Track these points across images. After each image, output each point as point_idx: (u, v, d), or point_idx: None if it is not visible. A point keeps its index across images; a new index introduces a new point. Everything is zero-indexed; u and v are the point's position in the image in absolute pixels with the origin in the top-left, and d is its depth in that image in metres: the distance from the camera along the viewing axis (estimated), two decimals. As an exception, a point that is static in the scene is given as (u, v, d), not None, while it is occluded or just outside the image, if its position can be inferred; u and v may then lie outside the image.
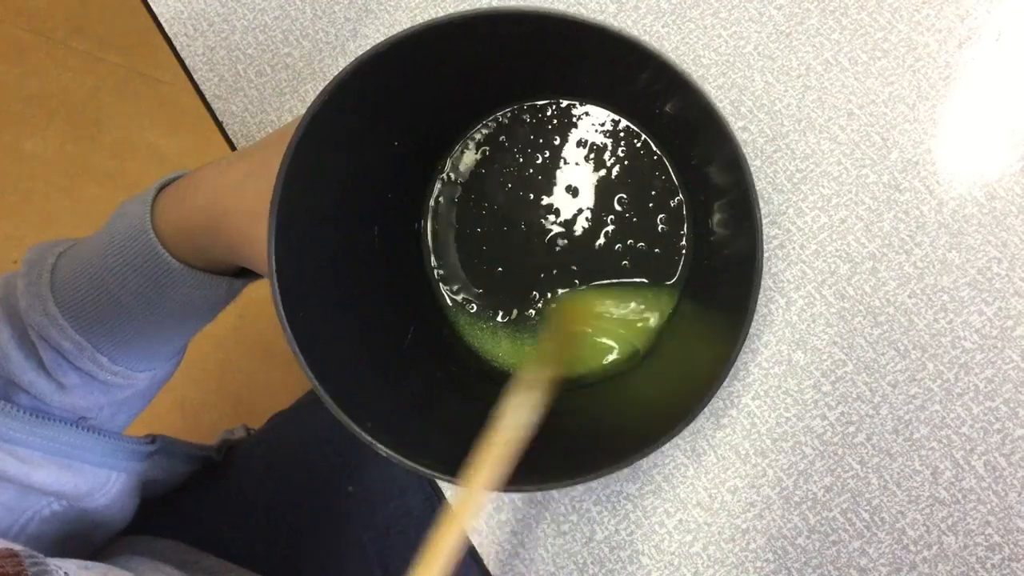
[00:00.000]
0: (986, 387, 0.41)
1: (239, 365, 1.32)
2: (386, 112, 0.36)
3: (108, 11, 1.49)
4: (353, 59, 0.30)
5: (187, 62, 0.52)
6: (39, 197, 1.42)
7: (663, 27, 0.47)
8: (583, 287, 0.42)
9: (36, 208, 1.42)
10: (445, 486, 0.45)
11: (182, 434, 0.56)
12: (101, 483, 0.46)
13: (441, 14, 0.50)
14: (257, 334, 1.31)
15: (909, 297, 0.42)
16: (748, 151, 0.45)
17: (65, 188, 1.42)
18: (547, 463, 0.35)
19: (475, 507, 0.32)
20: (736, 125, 0.45)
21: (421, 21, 0.49)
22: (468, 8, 0.49)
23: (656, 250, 0.41)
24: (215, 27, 0.52)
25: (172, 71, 1.44)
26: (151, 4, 0.53)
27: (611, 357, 0.41)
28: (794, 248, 0.43)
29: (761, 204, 0.44)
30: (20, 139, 1.44)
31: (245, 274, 0.44)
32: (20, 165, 1.43)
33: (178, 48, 0.52)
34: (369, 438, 0.32)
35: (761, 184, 0.44)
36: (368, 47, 0.29)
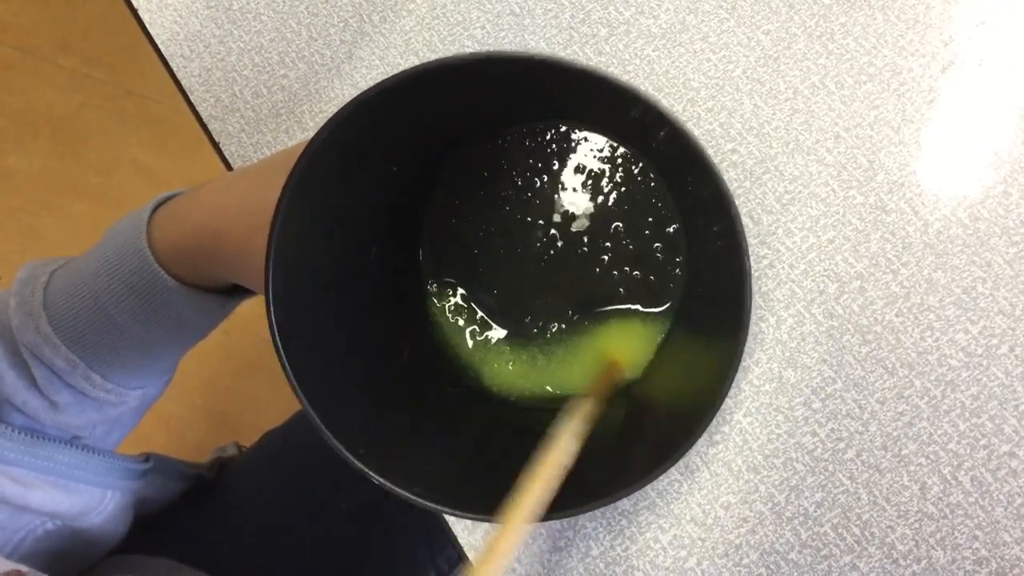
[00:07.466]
0: (972, 404, 0.41)
1: (225, 382, 1.31)
2: (386, 143, 0.36)
3: (95, 28, 1.49)
4: (353, 97, 0.30)
5: (183, 83, 0.52)
6: (24, 214, 1.41)
7: (653, 51, 0.48)
8: (591, 321, 0.42)
9: (20, 225, 1.41)
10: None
11: (168, 452, 0.56)
12: (96, 502, 0.46)
13: (432, 38, 0.51)
14: (243, 351, 1.31)
15: (896, 316, 0.43)
16: (738, 173, 0.46)
17: (50, 205, 1.42)
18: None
19: (514, 543, 0.29)
20: (725, 148, 0.46)
21: (414, 48, 0.50)
22: (461, 48, 0.50)
23: (652, 277, 0.41)
24: (211, 48, 0.52)
25: (159, 88, 1.45)
26: (147, 25, 0.53)
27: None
28: (783, 268, 0.44)
29: (751, 224, 0.45)
30: (5, 155, 1.44)
31: (238, 291, 0.44)
32: (4, 182, 1.42)
33: (174, 69, 0.52)
34: (360, 465, 0.32)
35: (750, 205, 0.45)
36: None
